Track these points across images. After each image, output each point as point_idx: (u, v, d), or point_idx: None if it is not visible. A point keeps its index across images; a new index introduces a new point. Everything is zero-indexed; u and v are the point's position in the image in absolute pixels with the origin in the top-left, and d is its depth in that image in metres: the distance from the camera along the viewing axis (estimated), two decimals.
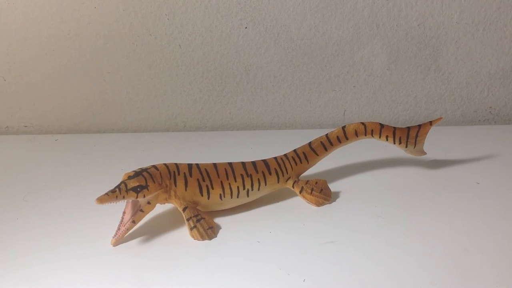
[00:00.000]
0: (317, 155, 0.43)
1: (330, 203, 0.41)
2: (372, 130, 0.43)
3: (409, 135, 0.44)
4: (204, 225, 0.36)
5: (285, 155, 0.42)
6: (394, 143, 0.44)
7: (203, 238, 0.36)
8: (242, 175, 0.39)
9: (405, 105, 0.65)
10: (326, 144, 0.43)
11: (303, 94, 0.64)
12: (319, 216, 0.39)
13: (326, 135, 0.43)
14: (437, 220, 0.38)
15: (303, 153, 0.43)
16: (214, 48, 0.61)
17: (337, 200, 0.42)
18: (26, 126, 0.64)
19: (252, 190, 0.40)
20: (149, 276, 0.32)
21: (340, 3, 0.59)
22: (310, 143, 0.43)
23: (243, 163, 0.40)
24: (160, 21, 0.59)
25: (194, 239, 0.36)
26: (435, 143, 0.48)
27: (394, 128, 0.43)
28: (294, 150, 0.43)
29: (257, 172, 0.40)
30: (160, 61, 0.61)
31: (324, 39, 0.61)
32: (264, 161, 0.41)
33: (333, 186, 0.43)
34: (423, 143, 0.45)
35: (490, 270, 0.31)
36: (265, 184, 0.40)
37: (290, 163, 0.42)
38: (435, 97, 0.64)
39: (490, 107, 0.65)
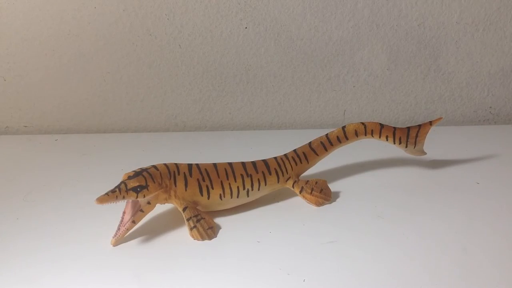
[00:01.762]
0: (317, 155, 0.43)
1: (330, 203, 0.41)
2: (372, 130, 0.43)
3: (409, 135, 0.44)
4: (204, 225, 0.36)
5: (285, 155, 0.42)
6: (394, 143, 0.44)
7: (203, 238, 0.36)
8: (242, 175, 0.39)
9: (405, 105, 0.65)
10: (326, 144, 0.43)
11: (303, 94, 0.64)
12: (319, 216, 0.39)
13: (326, 135, 0.43)
14: (437, 220, 0.38)
15: (303, 153, 0.43)
16: (214, 48, 0.61)
17: (337, 200, 0.42)
18: (26, 126, 0.64)
19: (252, 190, 0.40)
20: (149, 276, 0.32)
21: (340, 3, 0.59)
22: (310, 143, 0.43)
23: (243, 163, 0.40)
24: (160, 21, 0.59)
25: (194, 239, 0.36)
26: (435, 143, 0.48)
27: (394, 128, 0.43)
28: (294, 150, 0.43)
29: (257, 172, 0.40)
30: (160, 61, 0.61)
31: (324, 39, 0.61)
32: (264, 161, 0.41)
33: (333, 186, 0.43)
34: (423, 143, 0.45)
35: (490, 270, 0.31)
36: (265, 184, 0.40)
37: (290, 163, 0.42)
38: (435, 97, 0.64)
39: (490, 107, 0.65)
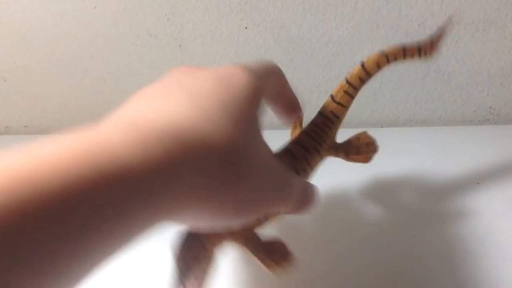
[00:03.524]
0: (345, 107, 0.37)
1: (332, 201, 0.41)
2: (395, 57, 0.38)
3: (428, 45, 0.40)
4: None
5: (313, 123, 0.37)
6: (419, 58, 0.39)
7: None
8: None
9: (405, 105, 0.65)
10: (350, 91, 0.37)
11: (303, 94, 0.64)
12: (319, 216, 0.39)
13: (346, 80, 0.38)
14: (437, 220, 0.38)
15: (331, 112, 0.37)
16: (214, 48, 0.61)
17: (337, 200, 0.42)
18: (26, 126, 0.64)
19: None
20: (149, 275, 0.32)
21: (340, 3, 0.59)
22: (332, 97, 0.38)
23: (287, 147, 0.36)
24: (160, 21, 0.59)
25: None
26: (435, 143, 0.48)
27: (418, 45, 0.39)
28: (320, 113, 0.38)
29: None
30: (160, 61, 0.61)
31: (324, 39, 0.61)
32: (299, 142, 0.36)
33: (333, 186, 0.43)
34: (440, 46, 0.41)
35: (490, 270, 0.31)
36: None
37: (325, 132, 0.36)
38: (435, 97, 0.64)
39: (490, 107, 0.65)
